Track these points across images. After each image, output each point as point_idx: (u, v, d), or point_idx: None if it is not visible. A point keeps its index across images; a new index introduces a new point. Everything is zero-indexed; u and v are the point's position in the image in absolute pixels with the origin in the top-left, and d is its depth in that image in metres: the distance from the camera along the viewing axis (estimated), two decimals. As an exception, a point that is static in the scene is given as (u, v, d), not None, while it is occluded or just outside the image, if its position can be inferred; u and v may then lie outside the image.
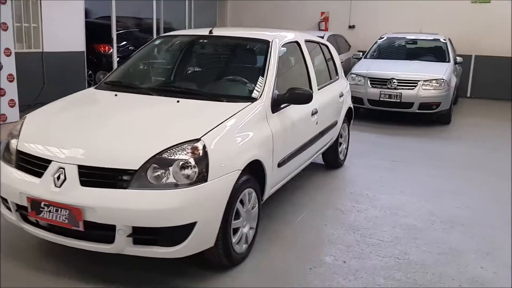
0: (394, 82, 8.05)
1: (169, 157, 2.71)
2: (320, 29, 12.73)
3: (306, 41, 4.64)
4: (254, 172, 3.34)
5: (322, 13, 13.11)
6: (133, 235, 2.67)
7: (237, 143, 3.02)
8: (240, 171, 2.97)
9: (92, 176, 2.70)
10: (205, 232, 2.79)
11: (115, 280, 2.93)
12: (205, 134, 2.84)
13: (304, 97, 3.58)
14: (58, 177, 2.74)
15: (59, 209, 2.70)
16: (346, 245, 3.54)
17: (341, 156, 5.50)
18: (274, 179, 3.62)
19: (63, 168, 2.74)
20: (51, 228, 2.84)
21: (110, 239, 2.69)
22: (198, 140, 2.79)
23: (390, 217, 4.12)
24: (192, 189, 2.67)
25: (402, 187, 4.92)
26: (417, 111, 8.03)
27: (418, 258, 3.38)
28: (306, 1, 13.06)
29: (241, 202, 3.10)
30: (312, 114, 4.20)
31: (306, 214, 4.10)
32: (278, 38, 4.03)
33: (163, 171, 2.69)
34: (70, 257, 3.15)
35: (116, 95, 3.59)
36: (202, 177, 2.72)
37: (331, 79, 5.11)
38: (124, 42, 11.01)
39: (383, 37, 9.91)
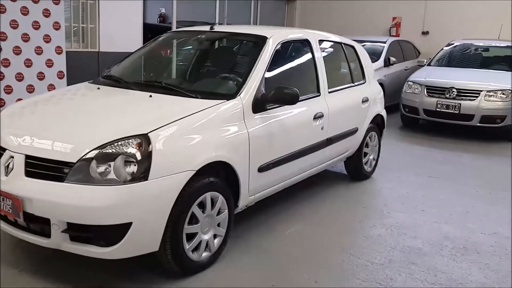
0: (453, 91, 7.34)
1: (112, 151, 2.57)
2: (391, 35, 12.07)
3: (322, 40, 4.31)
4: (229, 176, 3.13)
5: (394, 18, 12.42)
6: (68, 231, 2.57)
7: (193, 142, 2.81)
8: (194, 172, 2.76)
9: (37, 167, 2.63)
10: (144, 234, 2.61)
11: (56, 276, 2.84)
12: (153, 130, 2.66)
13: (290, 97, 3.28)
14: (8, 166, 2.71)
15: (5, 199, 2.67)
16: (328, 265, 3.18)
17: (367, 168, 5.05)
18: (256, 185, 3.34)
19: (13, 157, 2.71)
20: (4, 217, 2.82)
21: (48, 233, 2.60)
22: (144, 135, 2.63)
23: (394, 237, 3.66)
24: (127, 187, 2.51)
25: (426, 205, 4.39)
26: (478, 124, 7.25)
27: (403, 286, 2.93)
28: (379, 3, 12.44)
29: (202, 205, 2.88)
30: (315, 118, 3.86)
31: (300, 227, 3.77)
32: (278, 35, 3.76)
33: (106, 166, 2.56)
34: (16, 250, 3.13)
35: (98, 88, 3.54)
36: (142, 175, 2.55)
37: (353, 82, 4.71)
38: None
39: (451, 43, 9.13)
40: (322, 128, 3.97)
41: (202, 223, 2.91)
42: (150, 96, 3.22)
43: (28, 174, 2.64)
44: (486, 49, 8.73)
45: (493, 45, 8.70)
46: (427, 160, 6.08)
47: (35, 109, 3.25)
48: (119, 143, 2.59)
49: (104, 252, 2.56)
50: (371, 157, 5.11)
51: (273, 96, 3.28)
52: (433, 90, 7.55)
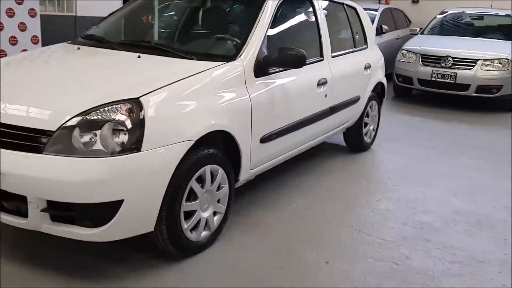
0: (449, 60, 7.08)
1: (97, 118, 2.22)
2: (380, 3, 11.72)
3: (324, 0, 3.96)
4: (229, 147, 2.81)
5: (383, -14, 12.07)
6: (48, 210, 2.22)
7: (190, 108, 2.47)
8: (192, 143, 2.43)
9: (11, 137, 2.26)
10: (138, 213, 2.28)
11: (40, 259, 2.51)
12: (145, 94, 2.31)
13: (296, 59, 2.95)
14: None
15: (-24, 173, 2.31)
16: (337, 243, 2.92)
17: (367, 139, 4.78)
18: (258, 157, 3.03)
19: (-16, 126, 2.33)
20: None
21: (25, 213, 2.26)
22: (135, 100, 2.27)
23: (404, 211, 3.41)
24: (116, 159, 2.17)
25: (430, 178, 4.15)
26: (474, 94, 7.03)
27: (421, 266, 2.69)
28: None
29: (200, 180, 2.57)
30: (319, 85, 3.54)
31: (303, 201, 3.49)
32: (280, -8, 3.39)
33: (91, 135, 2.21)
34: None
35: (78, 48, 3.14)
36: (134, 146, 2.21)
37: (355, 47, 4.39)
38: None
39: (445, 12, 8.83)
40: (325, 96, 3.66)
41: (201, 200, 2.59)
42: (139, 57, 2.84)
43: (0, 144, 2.27)
44: (481, 17, 8.47)
45: (489, 13, 8.43)
46: (424, 131, 5.85)
47: (6, 71, 2.85)
48: (106, 108, 2.24)
49: (90, 234, 2.23)
50: (371, 127, 4.84)
51: (278, 58, 2.94)
52: (428, 59, 7.28)
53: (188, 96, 2.49)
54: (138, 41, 3.27)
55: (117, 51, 3.02)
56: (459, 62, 7.04)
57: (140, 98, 2.28)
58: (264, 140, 3.02)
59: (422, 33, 8.46)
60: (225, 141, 2.80)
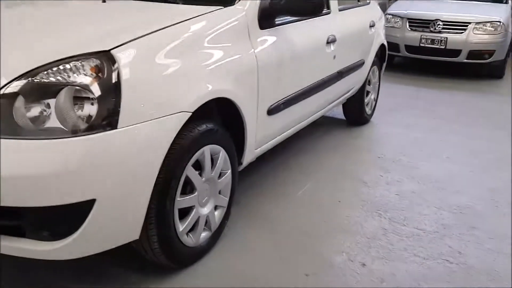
0: (438, 24, 6.55)
1: (50, 81, 1.50)
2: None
3: None
4: (228, 121, 2.15)
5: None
6: (-16, 218, 1.52)
7: (182, 68, 1.78)
8: (189, 115, 1.75)
9: None
10: (116, 217, 1.59)
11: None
12: (119, 46, 1.61)
13: (311, 5, 2.29)
14: None
15: None
16: (368, 237, 2.32)
17: (368, 110, 4.19)
18: (263, 133, 2.38)
19: None
20: None
21: (-50, 223, 1.54)
22: (105, 54, 1.57)
23: (434, 193, 2.85)
24: (83, 141, 1.47)
25: (448, 152, 3.61)
26: (465, 60, 6.54)
27: (480, 263, 2.14)
28: None
29: (197, 166, 1.90)
30: (328, 43, 2.90)
31: (311, 185, 2.87)
32: None
33: (42, 106, 1.50)
34: None
35: (21, -4, 2.38)
36: (107, 121, 1.51)
37: (358, 1, 3.76)
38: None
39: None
40: (334, 57, 3.02)
41: (199, 192, 1.93)
42: (104, 1, 2.12)
43: None
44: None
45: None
46: (421, 100, 5.31)
47: None
48: (62, 67, 1.52)
49: (48, 250, 1.53)
50: (372, 96, 4.25)
51: (288, 3, 2.27)
52: (416, 23, 6.73)
53: (177, 51, 1.79)
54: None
55: (73, -3, 2.27)
56: (449, 26, 6.53)
57: (112, 51, 1.58)
58: (271, 111, 2.37)
59: (404, -2, 7.90)
60: (221, 114, 2.13)
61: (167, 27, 1.81)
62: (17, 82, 1.49)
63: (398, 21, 6.90)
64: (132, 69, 1.59)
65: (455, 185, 2.98)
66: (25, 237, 1.53)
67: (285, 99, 2.48)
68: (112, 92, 1.52)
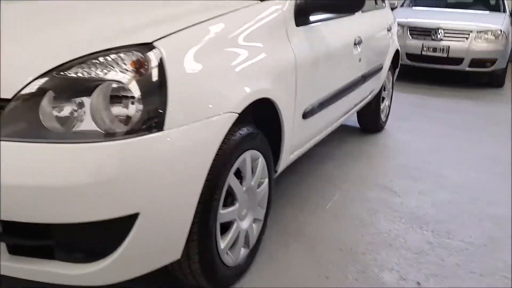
0: (440, 32, 6.47)
1: (84, 76, 1.28)
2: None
3: None
4: (260, 125, 1.94)
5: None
6: (4, 237, 1.28)
7: (228, 63, 1.58)
8: (236, 116, 1.55)
9: None
10: (160, 234, 1.37)
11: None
12: (162, 38, 1.40)
13: (350, 1, 2.11)
14: None
15: None
16: (415, 251, 2.13)
17: (383, 117, 4.04)
18: (297, 138, 2.19)
19: None
20: None
21: (-37, 244, 1.30)
22: (147, 46, 1.36)
23: (469, 203, 2.68)
24: (129, 144, 1.25)
25: (470, 159, 3.46)
26: (468, 69, 6.47)
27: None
28: None
29: (238, 175, 1.69)
30: (355, 44, 2.73)
31: (339, 196, 2.68)
32: None
33: (73, 105, 1.27)
34: None
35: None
36: (152, 123, 1.30)
37: (376, 4, 3.61)
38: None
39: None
40: (359, 60, 2.86)
41: (240, 203, 1.72)
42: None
43: None
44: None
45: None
46: (428, 109, 5.18)
47: None
48: (99, 60, 1.31)
49: (81, 275, 1.30)
50: (387, 103, 4.10)
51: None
52: (417, 31, 6.65)
53: (222, 45, 1.60)
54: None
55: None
56: (451, 34, 6.46)
57: (155, 43, 1.37)
58: (306, 114, 2.18)
59: (401, 6, 7.84)
60: (257, 115, 1.94)
61: (209, 19, 1.61)
62: (46, 77, 1.27)
63: (398, 30, 6.78)
64: (178, 63, 1.38)
65: (488, 194, 2.82)
66: (54, 259, 1.30)
67: (318, 101, 2.29)
68: (157, 90, 1.31)
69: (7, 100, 1.24)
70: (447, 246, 2.18)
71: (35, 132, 1.25)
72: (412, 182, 2.95)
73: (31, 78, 1.26)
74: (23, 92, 1.25)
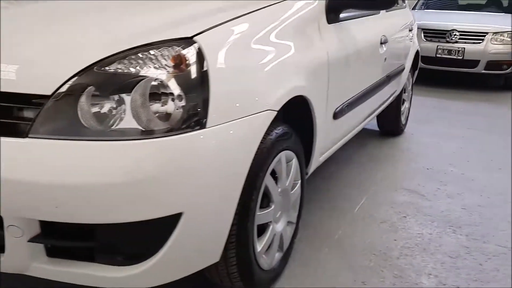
0: (455, 34, 6.41)
1: (125, 72, 1.24)
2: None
3: None
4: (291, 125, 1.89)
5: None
6: (43, 238, 1.23)
7: (265, 59, 1.53)
8: (274, 113, 1.50)
9: None
10: (203, 235, 1.32)
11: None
12: (201, 33, 1.35)
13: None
14: None
15: None
16: (450, 256, 2.06)
17: (403, 119, 3.97)
18: (327, 139, 2.14)
19: None
20: None
21: (1, 245, 1.25)
22: (187, 41, 1.31)
23: (500, 206, 2.61)
24: (172, 141, 1.21)
25: (495, 161, 3.39)
26: (483, 71, 6.40)
27: None
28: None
29: (273, 175, 1.64)
30: (381, 43, 2.68)
31: (367, 200, 2.62)
32: None
33: (112, 102, 1.23)
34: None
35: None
36: (195, 120, 1.25)
37: (397, 4, 3.56)
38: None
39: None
40: (385, 59, 2.80)
41: (275, 204, 1.66)
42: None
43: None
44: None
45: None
46: (447, 111, 5.11)
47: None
48: (140, 55, 1.26)
49: (122, 277, 1.25)
50: (407, 105, 4.04)
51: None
52: (432, 33, 6.58)
53: (260, 41, 1.55)
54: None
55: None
56: (466, 36, 6.39)
57: (196, 38, 1.32)
58: (336, 114, 2.13)
59: (413, 9, 7.78)
60: (288, 114, 1.88)
61: (244, 14, 1.57)
62: (84, 74, 1.22)
63: (413, 32, 6.74)
64: (220, 59, 1.34)
65: (520, 197, 2.75)
66: (94, 262, 1.25)
67: (348, 101, 2.24)
68: (198, 87, 1.26)
69: (47, 97, 1.19)
70: (484, 250, 2.12)
71: (73, 129, 1.21)
72: (440, 185, 2.88)
73: (71, 74, 1.21)
74: (62, 89, 1.20)
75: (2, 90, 1.21)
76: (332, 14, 2.03)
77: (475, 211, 2.52)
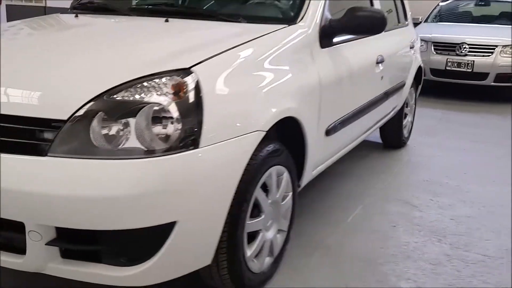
0: (464, 47, 6.52)
1: (130, 99, 1.45)
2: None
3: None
4: (285, 141, 2.08)
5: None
6: (58, 242, 1.45)
7: (256, 85, 1.73)
8: (263, 134, 1.69)
9: (10, 133, 1.46)
10: (194, 240, 1.53)
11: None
12: (198, 64, 1.56)
13: (374, 22, 2.24)
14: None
15: None
16: (431, 263, 2.22)
17: (405, 133, 4.12)
18: (320, 155, 2.32)
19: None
20: None
21: (22, 248, 1.47)
22: (185, 71, 1.52)
23: (488, 217, 2.76)
24: (169, 160, 1.41)
25: (493, 174, 3.52)
26: (492, 83, 6.50)
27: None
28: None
29: (264, 188, 1.83)
30: (377, 63, 2.86)
31: (361, 210, 2.79)
32: None
33: (120, 125, 1.44)
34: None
35: (76, 16, 2.35)
36: (189, 141, 1.45)
37: (399, 23, 3.73)
38: None
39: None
40: (382, 78, 2.98)
41: (266, 214, 1.85)
42: (166, 20, 2.08)
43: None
44: (488, 3, 7.96)
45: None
46: (453, 123, 5.24)
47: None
48: (143, 84, 1.48)
49: (125, 276, 1.46)
50: (409, 119, 4.18)
51: (348, 21, 2.22)
52: (442, 46, 6.71)
53: (251, 68, 1.75)
54: (158, 4, 2.49)
55: (133, 17, 2.25)
56: (475, 49, 6.50)
57: (193, 69, 1.53)
58: (329, 131, 2.31)
59: (425, 21, 7.90)
60: (282, 133, 2.07)
61: (240, 44, 1.77)
62: (95, 101, 1.44)
63: (422, 45, 6.85)
64: (213, 87, 1.54)
65: (509, 208, 2.88)
66: (101, 263, 1.46)
67: (341, 119, 2.42)
68: (194, 111, 1.47)
69: (63, 121, 1.41)
70: (464, 258, 2.27)
71: (86, 149, 1.41)
72: (433, 196, 3.03)
73: (84, 101, 1.43)
74: (77, 114, 1.41)
75: (27, 115, 1.43)
76: (325, 39, 2.22)
77: (463, 222, 2.67)
